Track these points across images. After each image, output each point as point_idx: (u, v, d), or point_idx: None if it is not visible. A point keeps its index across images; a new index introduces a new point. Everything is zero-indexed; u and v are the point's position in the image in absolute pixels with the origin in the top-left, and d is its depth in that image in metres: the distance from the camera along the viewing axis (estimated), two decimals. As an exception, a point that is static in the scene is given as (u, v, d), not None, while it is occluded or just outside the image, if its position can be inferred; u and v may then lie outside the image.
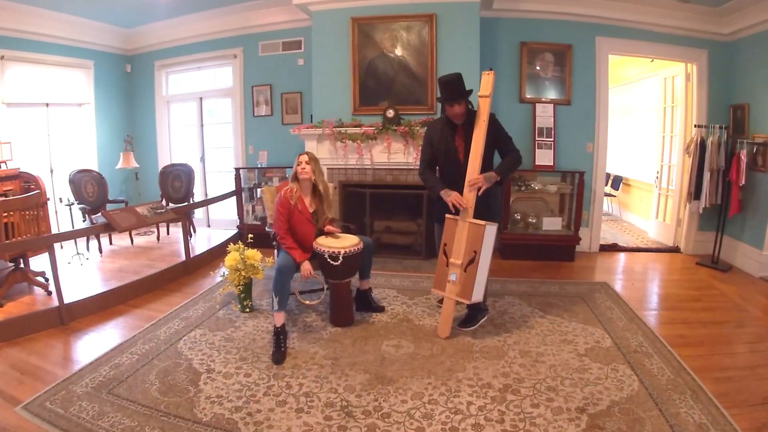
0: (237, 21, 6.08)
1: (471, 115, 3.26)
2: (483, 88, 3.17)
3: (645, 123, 7.21)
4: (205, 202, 6.38)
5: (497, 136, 3.25)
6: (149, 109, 6.92)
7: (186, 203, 6.23)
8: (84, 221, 5.46)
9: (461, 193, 3.17)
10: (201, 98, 6.80)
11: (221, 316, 3.69)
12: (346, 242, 3.37)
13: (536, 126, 5.35)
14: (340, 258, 3.26)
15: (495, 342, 3.19)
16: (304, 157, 3.39)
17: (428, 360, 2.95)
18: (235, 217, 6.20)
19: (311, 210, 3.46)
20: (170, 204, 6.11)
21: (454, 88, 3.18)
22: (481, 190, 3.11)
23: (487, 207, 3.27)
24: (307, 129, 5.18)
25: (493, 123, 3.21)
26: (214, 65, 6.59)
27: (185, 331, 3.41)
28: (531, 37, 5.34)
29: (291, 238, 3.32)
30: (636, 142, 7.66)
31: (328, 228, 3.49)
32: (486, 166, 3.20)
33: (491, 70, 3.23)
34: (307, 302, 3.63)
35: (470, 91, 3.22)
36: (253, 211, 6.16)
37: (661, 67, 6.12)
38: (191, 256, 5.00)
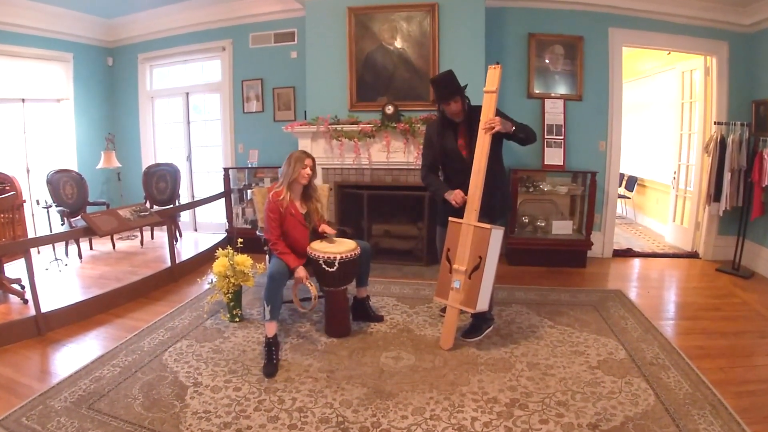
0: (226, 11, 6.11)
1: (472, 111, 3.30)
2: (489, 83, 3.18)
3: (661, 120, 7.24)
4: (192, 205, 6.39)
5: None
6: (132, 105, 6.93)
7: (171, 205, 6.24)
8: (62, 225, 5.47)
9: (467, 192, 3.20)
10: (187, 93, 6.82)
11: (209, 326, 3.70)
12: (343, 247, 3.38)
13: (545, 123, 5.37)
14: (336, 264, 3.27)
15: (501, 354, 3.20)
16: (311, 162, 3.40)
17: (430, 373, 2.96)
18: (224, 220, 6.21)
19: (303, 212, 3.48)
20: (155, 206, 6.13)
21: (447, 86, 3.23)
22: (494, 129, 3.08)
23: (493, 207, 3.30)
24: (301, 126, 5.19)
25: (500, 115, 3.22)
26: (202, 58, 6.61)
27: (171, 342, 3.41)
28: (540, 28, 5.37)
29: (284, 243, 3.33)
30: (652, 141, 7.69)
31: (323, 228, 3.51)
32: (493, 164, 3.22)
33: (498, 63, 3.25)
34: (303, 308, 3.62)
35: (465, 87, 3.27)
36: (243, 213, 6.17)
37: (679, 60, 6.15)
38: (177, 262, 5.01)
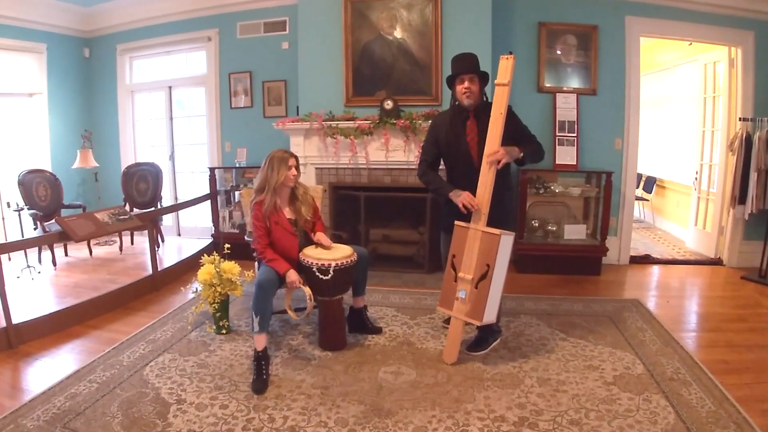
0: (212, -2, 6.15)
1: (486, 107, 3.28)
2: (500, 75, 3.15)
3: (682, 116, 7.26)
4: (175, 207, 6.40)
5: (515, 132, 3.26)
6: (110, 100, 6.95)
7: (153, 208, 6.25)
8: (35, 229, 5.48)
9: (475, 195, 3.19)
10: (170, 87, 6.84)
11: (193, 338, 3.71)
12: (338, 253, 3.39)
13: (557, 119, 5.40)
14: (331, 271, 3.28)
15: (509, 368, 3.21)
16: (294, 161, 3.39)
17: (432, 389, 2.97)
18: (210, 224, 6.22)
19: (292, 218, 3.48)
20: (135, 209, 6.14)
21: (469, 61, 3.25)
22: (501, 164, 3.10)
23: (502, 209, 3.31)
24: (293, 123, 5.21)
25: (511, 116, 3.23)
26: (186, 49, 6.63)
27: (152, 355, 3.42)
28: (551, 16, 5.41)
29: (272, 251, 3.33)
30: (672, 138, 7.72)
31: (318, 238, 3.52)
32: (500, 175, 3.21)
33: (511, 53, 3.24)
34: (296, 315, 3.61)
35: (486, 75, 3.29)
36: (230, 217, 6.18)
37: (701, 51, 6.18)
38: (159, 269, 5.01)
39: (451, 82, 3.33)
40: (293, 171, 3.37)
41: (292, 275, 3.24)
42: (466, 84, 3.23)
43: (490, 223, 3.17)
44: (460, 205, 3.17)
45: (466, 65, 3.26)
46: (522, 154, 3.20)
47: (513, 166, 3.38)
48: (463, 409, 2.75)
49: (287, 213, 3.47)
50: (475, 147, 3.29)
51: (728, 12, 5.26)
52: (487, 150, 3.14)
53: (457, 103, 3.35)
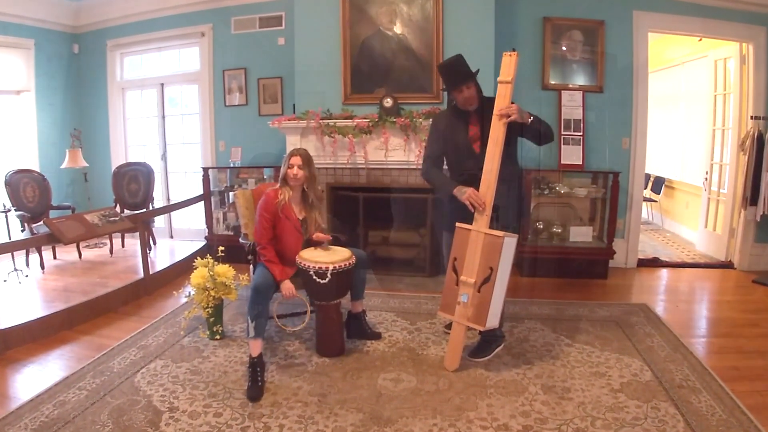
0: (206, -8, 6.16)
1: (484, 102, 3.31)
2: (504, 72, 3.17)
3: (692, 114, 7.28)
4: (168, 209, 6.41)
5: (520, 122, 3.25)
6: (100, 98, 6.96)
7: (144, 210, 6.25)
8: (23, 231, 5.48)
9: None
10: (162, 84, 6.85)
11: (186, 344, 3.71)
12: (336, 256, 3.39)
13: (562, 117, 5.41)
14: (329, 275, 3.28)
15: (513, 375, 3.21)
16: (297, 160, 3.39)
17: (433, 396, 2.97)
18: (203, 226, 6.22)
19: (300, 217, 3.51)
20: (125, 210, 6.14)
21: (459, 70, 3.24)
22: (511, 118, 3.06)
23: (507, 201, 3.29)
24: (289, 121, 5.22)
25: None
26: (178, 45, 6.65)
27: (143, 362, 3.42)
28: (555, 11, 5.42)
29: (273, 251, 3.35)
30: (681, 137, 7.73)
31: (317, 236, 3.52)
32: (507, 161, 3.22)
33: (514, 50, 3.24)
34: (290, 328, 3.65)
35: (477, 72, 3.29)
36: (225, 219, 6.19)
37: (711, 47, 6.19)
38: (150, 272, 5.01)
39: (447, 89, 3.35)
40: (294, 170, 3.37)
41: (286, 286, 3.27)
42: (465, 93, 3.26)
43: (496, 221, 3.18)
44: (467, 203, 3.17)
45: (462, 77, 3.24)
46: (531, 118, 3.16)
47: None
48: (465, 417, 2.75)
49: (297, 212, 3.48)
50: (477, 141, 3.31)
51: (739, 7, 5.27)
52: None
53: (454, 102, 3.38)
